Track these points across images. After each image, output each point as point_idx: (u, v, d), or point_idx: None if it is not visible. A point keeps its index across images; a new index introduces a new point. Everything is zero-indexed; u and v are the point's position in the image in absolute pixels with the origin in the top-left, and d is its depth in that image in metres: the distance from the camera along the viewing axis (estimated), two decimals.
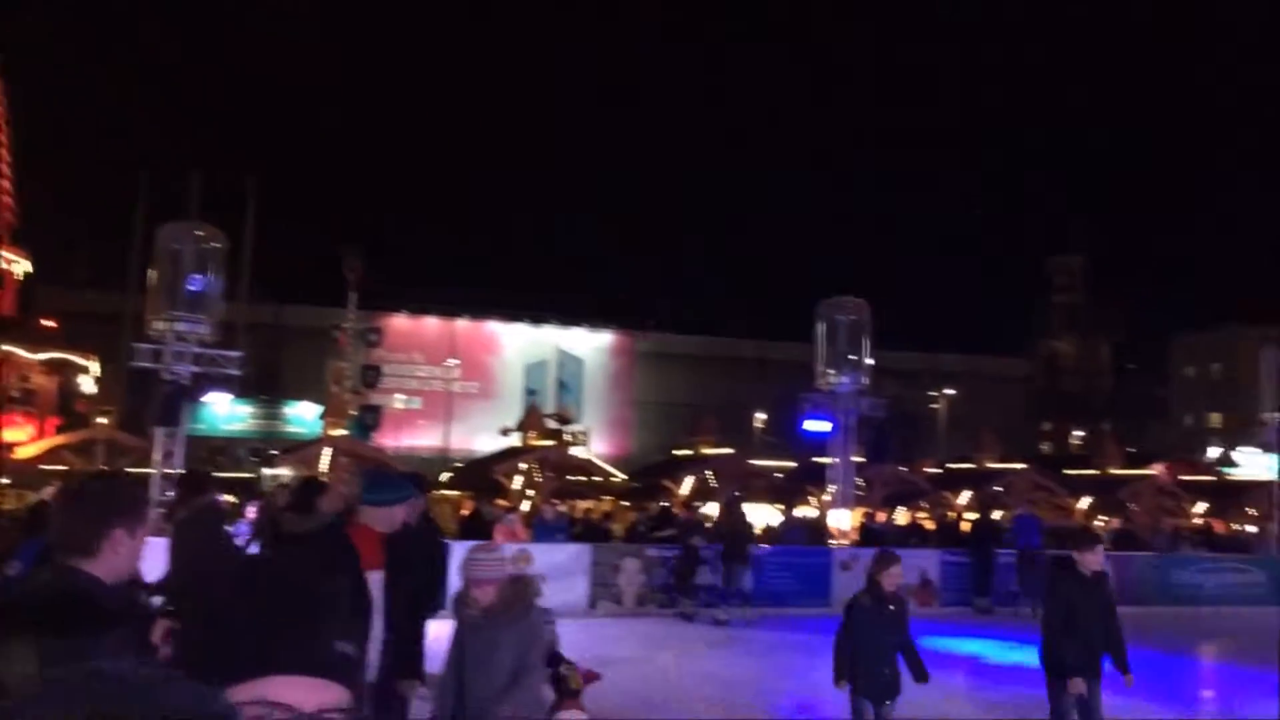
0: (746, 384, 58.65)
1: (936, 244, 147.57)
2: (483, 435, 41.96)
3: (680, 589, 16.32)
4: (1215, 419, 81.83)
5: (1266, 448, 30.23)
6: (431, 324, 55.82)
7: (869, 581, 6.95)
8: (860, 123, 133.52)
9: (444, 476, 30.78)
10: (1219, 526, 28.52)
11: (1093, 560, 7.06)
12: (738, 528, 16.43)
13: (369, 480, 5.88)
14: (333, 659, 1.35)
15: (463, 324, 56.45)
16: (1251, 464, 44.34)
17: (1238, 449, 54.69)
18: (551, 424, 34.15)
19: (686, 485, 28.24)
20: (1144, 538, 23.50)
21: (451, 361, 51.17)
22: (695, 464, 29.26)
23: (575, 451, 32.74)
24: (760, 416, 56.70)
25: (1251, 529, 28.20)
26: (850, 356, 18.85)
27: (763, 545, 18.56)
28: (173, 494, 12.87)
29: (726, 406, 54.10)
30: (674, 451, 32.66)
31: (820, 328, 19.24)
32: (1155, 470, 34.11)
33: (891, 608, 6.82)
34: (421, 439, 49.08)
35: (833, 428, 18.88)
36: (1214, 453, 62.71)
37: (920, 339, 68.54)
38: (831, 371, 18.92)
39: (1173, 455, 43.24)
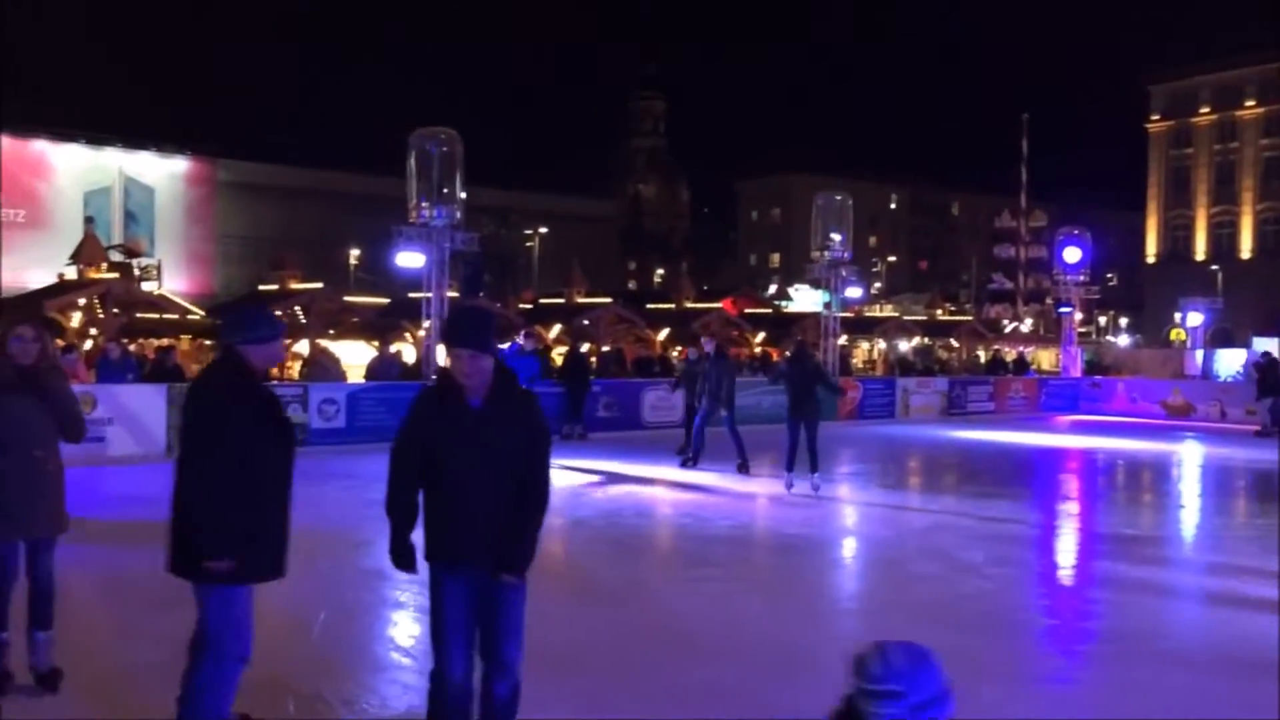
0: (340, 218, 56.51)
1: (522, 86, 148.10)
2: (38, 270, 37.31)
3: None
4: (775, 259, 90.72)
5: (815, 284, 34.11)
6: None
7: None
8: None
9: None
10: (775, 354, 31.88)
11: None
12: None
13: None
14: None
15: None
16: (803, 299, 49.83)
17: (793, 286, 61.16)
18: (117, 256, 31.19)
19: None
20: None
21: None
22: (283, 300, 27.96)
23: (148, 287, 30.33)
24: (355, 252, 55.18)
25: None
26: (443, 190, 18.59)
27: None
28: None
29: (318, 241, 52.00)
30: (259, 288, 30.96)
31: (412, 159, 18.77)
32: (723, 304, 37.44)
33: None
34: None
35: (426, 262, 18.67)
36: (773, 289, 69.73)
37: (513, 179, 69.35)
38: (425, 204, 18.59)
39: (739, 291, 47.43)
